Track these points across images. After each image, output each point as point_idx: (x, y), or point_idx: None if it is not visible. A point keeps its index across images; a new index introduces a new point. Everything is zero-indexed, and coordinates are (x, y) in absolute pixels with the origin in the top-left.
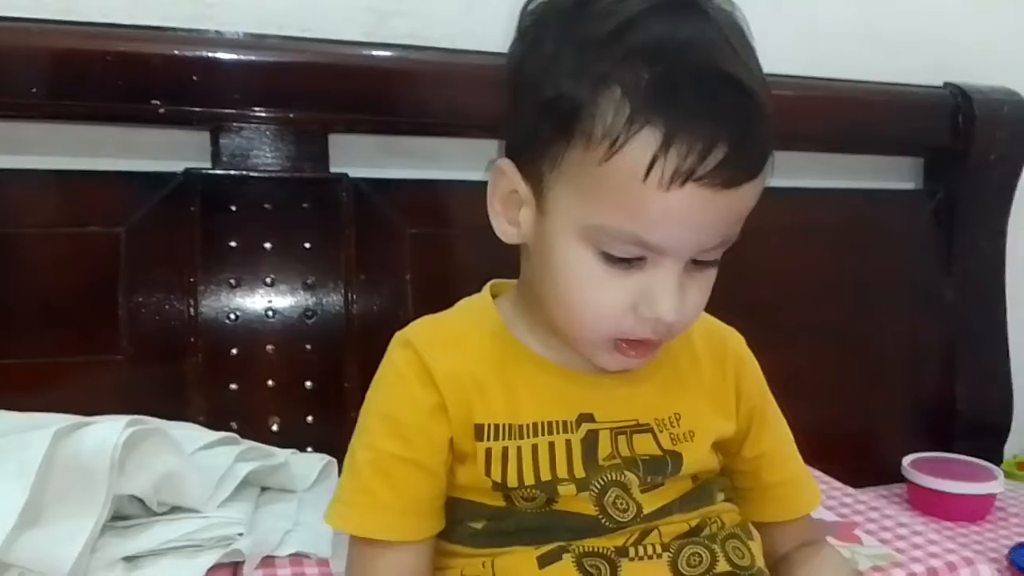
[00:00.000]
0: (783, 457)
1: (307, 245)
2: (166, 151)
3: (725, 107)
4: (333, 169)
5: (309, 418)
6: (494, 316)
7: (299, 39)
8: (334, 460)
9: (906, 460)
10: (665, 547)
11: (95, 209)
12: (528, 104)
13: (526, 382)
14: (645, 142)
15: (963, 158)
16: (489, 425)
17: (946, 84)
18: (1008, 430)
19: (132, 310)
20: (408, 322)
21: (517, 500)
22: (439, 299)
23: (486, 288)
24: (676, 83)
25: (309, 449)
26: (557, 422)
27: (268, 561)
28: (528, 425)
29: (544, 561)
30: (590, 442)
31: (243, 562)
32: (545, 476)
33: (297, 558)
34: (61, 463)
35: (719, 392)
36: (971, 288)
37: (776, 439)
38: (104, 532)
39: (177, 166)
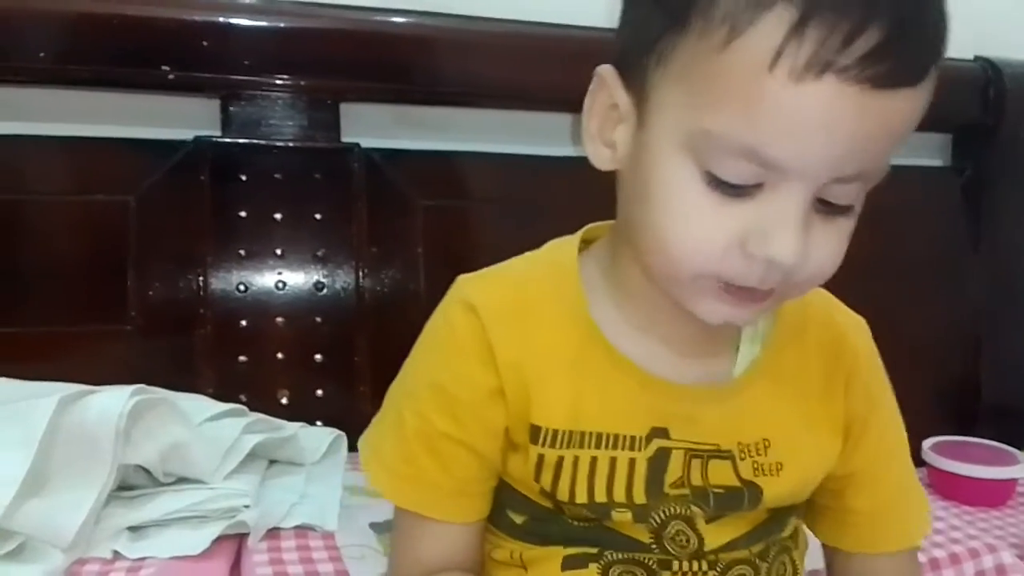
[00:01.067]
0: (878, 479)
1: (318, 216)
2: (176, 118)
3: None
4: (345, 139)
5: (319, 392)
6: (575, 285)
7: (312, 4)
8: (343, 434)
9: (926, 443)
10: (712, 565)
11: (103, 177)
12: None
13: (597, 383)
14: (776, 21)
15: (993, 134)
16: (547, 429)
17: (976, 58)
18: None
19: (141, 280)
20: (419, 298)
21: (566, 509)
22: (451, 273)
23: (577, 236)
24: None
25: (319, 423)
26: (624, 436)
27: (273, 533)
28: (590, 434)
29: (568, 564)
30: (658, 463)
31: (248, 534)
32: (600, 497)
33: (302, 530)
34: (66, 431)
35: (827, 402)
36: (998, 268)
37: (872, 456)
38: (109, 502)
39: (187, 134)
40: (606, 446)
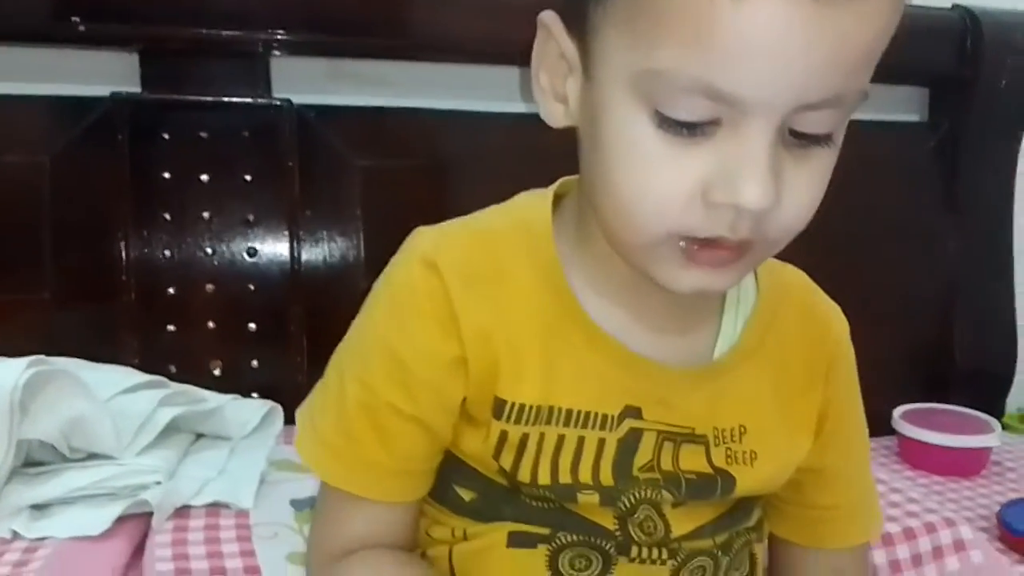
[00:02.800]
0: (844, 478)
1: (247, 178)
2: (91, 75)
3: None
4: (276, 95)
5: (253, 362)
6: (549, 247)
7: None
8: (278, 406)
9: (897, 411)
10: (673, 554)
11: (15, 136)
12: None
13: (571, 356)
14: None
15: (971, 87)
16: (513, 404)
17: (954, 6)
18: (1011, 381)
19: (57, 246)
20: (358, 264)
21: (523, 489)
22: (391, 236)
23: (550, 192)
24: None
25: (254, 395)
26: (596, 415)
27: (184, 512)
28: (560, 410)
29: (515, 541)
30: (628, 444)
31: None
32: (564, 478)
33: (215, 508)
34: None
35: (804, 392)
36: (975, 229)
37: (843, 454)
38: (10, 479)
39: (103, 90)
40: (575, 424)
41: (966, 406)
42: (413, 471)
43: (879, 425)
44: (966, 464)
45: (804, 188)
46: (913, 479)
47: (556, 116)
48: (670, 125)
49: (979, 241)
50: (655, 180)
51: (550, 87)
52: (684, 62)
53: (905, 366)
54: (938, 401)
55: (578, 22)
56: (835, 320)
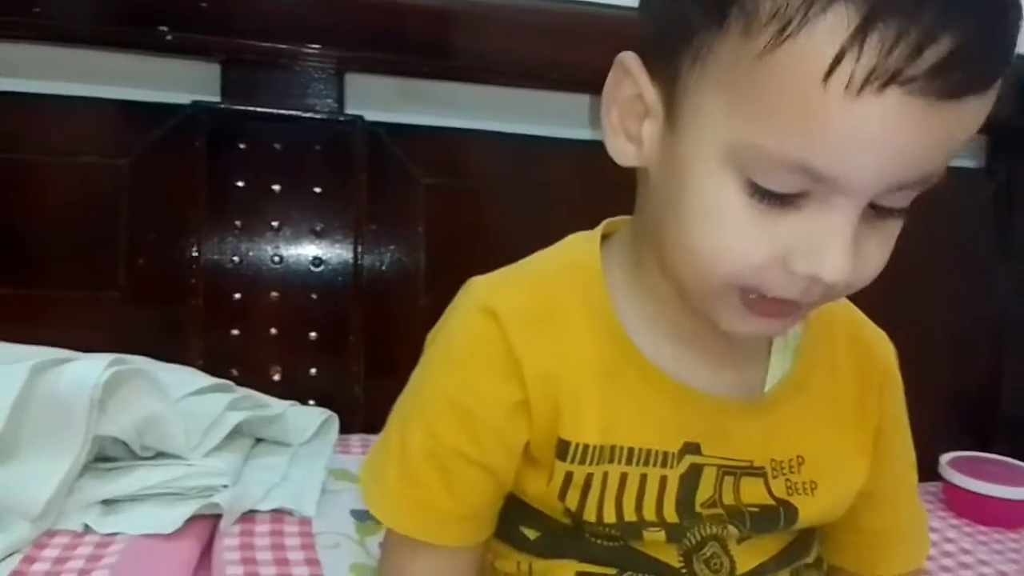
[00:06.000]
0: (894, 501)
1: (317, 190)
2: (173, 82)
3: None
4: (349, 110)
5: (312, 370)
6: (601, 287)
7: None
8: (334, 415)
9: (944, 458)
10: None
11: (96, 138)
12: None
13: (629, 396)
14: (832, 25)
15: None
16: (577, 445)
17: (1018, 56)
18: None
19: (131, 246)
20: (418, 278)
21: (588, 528)
22: (453, 253)
23: (598, 232)
24: None
25: (311, 402)
26: (656, 452)
27: (249, 516)
28: (622, 449)
29: None
30: (690, 480)
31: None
32: (629, 516)
33: (279, 514)
34: (38, 399)
35: (858, 419)
36: None
37: (894, 479)
38: (84, 473)
39: (184, 98)
40: (637, 462)
41: (1011, 454)
42: (478, 516)
43: (925, 471)
44: (1013, 516)
45: (874, 254)
46: (959, 527)
47: (627, 155)
48: (763, 195)
49: None
50: (738, 242)
51: (621, 125)
52: (786, 141)
53: (953, 411)
54: (984, 448)
55: (665, 71)
56: (882, 346)
